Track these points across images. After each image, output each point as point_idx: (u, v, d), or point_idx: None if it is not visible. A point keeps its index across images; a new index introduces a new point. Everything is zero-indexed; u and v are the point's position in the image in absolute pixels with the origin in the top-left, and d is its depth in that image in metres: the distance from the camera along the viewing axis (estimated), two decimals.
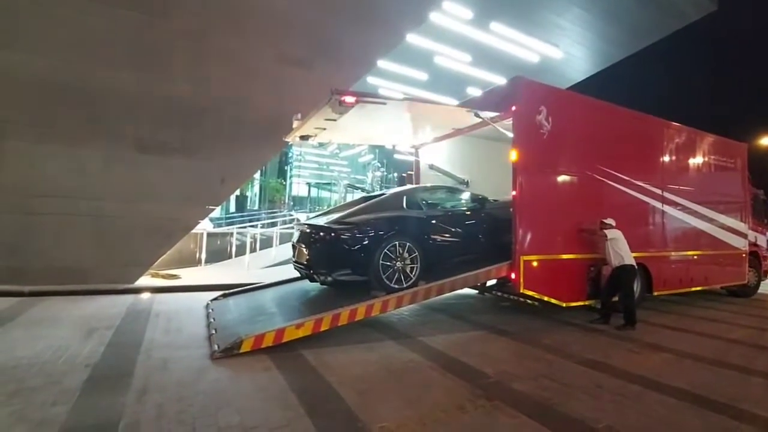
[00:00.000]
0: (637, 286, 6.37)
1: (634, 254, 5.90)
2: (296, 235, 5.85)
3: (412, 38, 13.54)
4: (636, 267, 5.88)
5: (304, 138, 6.76)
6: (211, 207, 8.89)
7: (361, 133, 7.45)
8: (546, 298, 5.72)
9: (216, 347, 4.02)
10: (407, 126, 6.88)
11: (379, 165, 34.21)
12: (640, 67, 19.80)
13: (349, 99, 4.60)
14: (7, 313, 5.36)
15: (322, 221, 5.29)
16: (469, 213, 6.12)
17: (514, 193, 5.57)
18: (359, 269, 4.90)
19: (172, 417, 2.69)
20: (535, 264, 5.61)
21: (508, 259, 5.51)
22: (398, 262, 5.01)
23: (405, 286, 5.01)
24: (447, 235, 5.66)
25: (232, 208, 29.89)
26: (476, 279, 5.52)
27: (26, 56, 6.63)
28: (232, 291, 6.73)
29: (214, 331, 4.57)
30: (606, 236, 5.75)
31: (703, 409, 3.10)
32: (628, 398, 3.27)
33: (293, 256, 5.85)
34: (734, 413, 3.06)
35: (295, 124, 6.29)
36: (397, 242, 5.01)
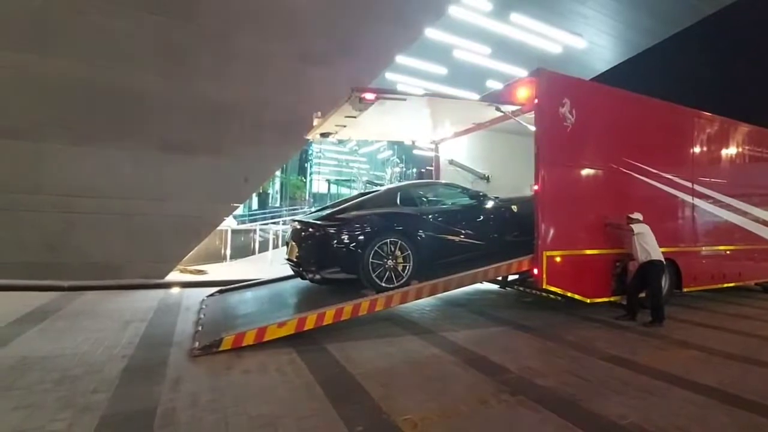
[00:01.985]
0: (665, 282, 6.20)
1: (663, 249, 5.74)
2: (289, 232, 5.72)
3: (431, 32, 13.44)
4: (664, 262, 5.72)
5: (324, 135, 6.85)
6: (235, 204, 9.13)
7: (381, 130, 7.48)
8: (570, 294, 5.65)
9: (196, 344, 3.99)
10: (427, 121, 6.87)
11: (398, 161, 34.16)
12: (671, 55, 18.93)
13: (369, 96, 4.64)
14: (51, 306, 5.68)
15: (312, 218, 5.23)
16: (467, 210, 5.86)
17: (536, 187, 5.50)
18: (348, 267, 4.74)
19: (205, 405, 2.82)
20: (558, 259, 5.54)
21: (507, 258, 5.40)
22: (389, 261, 4.83)
23: (396, 285, 4.83)
24: (443, 234, 5.42)
25: (255, 205, 30.50)
26: (474, 278, 5.29)
27: (58, 60, 6.93)
28: (228, 287, 6.68)
29: (200, 328, 4.54)
30: (633, 231, 5.61)
31: (732, 407, 3.02)
32: (655, 395, 3.21)
33: (286, 254, 5.70)
34: (765, 410, 2.97)
35: (316, 121, 6.38)
36: (388, 240, 4.83)
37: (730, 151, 7.78)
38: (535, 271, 5.45)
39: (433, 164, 8.62)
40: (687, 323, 5.71)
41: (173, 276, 8.44)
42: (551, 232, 5.51)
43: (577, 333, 5.01)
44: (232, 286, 6.76)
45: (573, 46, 16.20)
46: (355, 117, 5.55)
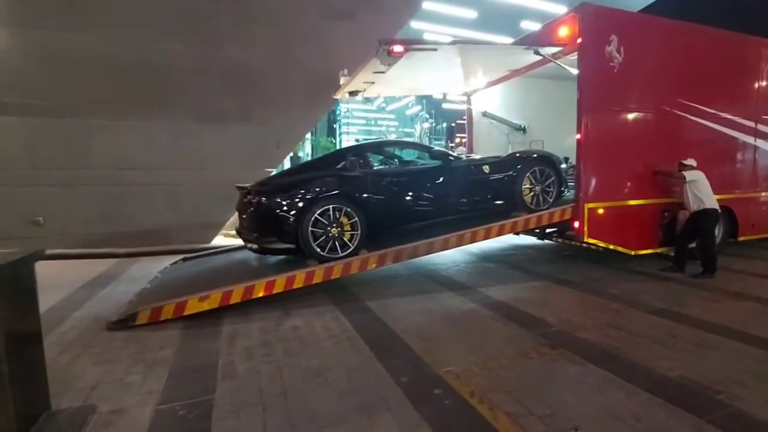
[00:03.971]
0: (718, 231, 5.85)
1: (718, 196, 5.36)
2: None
3: None
4: (719, 211, 5.36)
5: (353, 94, 6.70)
6: (268, 169, 9.29)
7: (410, 84, 7.20)
8: (612, 247, 5.47)
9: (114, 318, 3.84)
10: (458, 72, 6.53)
11: (427, 116, 33.10)
12: None
13: (398, 48, 4.42)
14: (112, 272, 6.19)
15: (253, 184, 4.77)
16: (429, 172, 5.29)
17: (578, 136, 5.20)
18: (286, 236, 4.37)
19: (260, 359, 3.04)
20: (600, 211, 5.32)
21: (475, 224, 5.01)
22: (333, 229, 4.42)
23: (342, 255, 4.44)
24: (399, 198, 4.94)
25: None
26: (432, 247, 4.79)
27: (91, 37, 7.08)
28: (193, 255, 6.45)
29: (134, 299, 4.40)
30: (684, 178, 5.25)
31: None
32: (706, 348, 3.13)
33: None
34: None
35: (343, 80, 6.22)
36: (330, 206, 4.40)
37: None
38: (576, 224, 5.29)
39: (466, 117, 8.30)
40: (742, 273, 5.41)
41: (218, 240, 8.88)
42: (593, 183, 5.28)
43: (621, 286, 4.89)
44: (199, 253, 6.55)
45: None
46: (383, 72, 5.35)
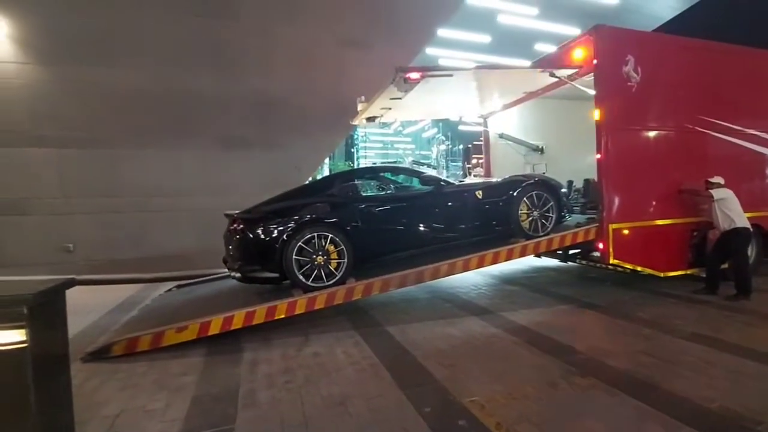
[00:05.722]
0: (751, 251, 5.60)
1: (748, 214, 5.17)
2: None
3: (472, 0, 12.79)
4: (750, 229, 5.15)
5: (370, 120, 6.85)
6: None
7: (426, 108, 7.34)
8: (639, 269, 5.30)
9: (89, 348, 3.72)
10: (474, 95, 6.61)
11: (444, 138, 33.40)
12: None
13: (414, 75, 4.52)
14: (137, 298, 6.32)
15: (240, 211, 4.59)
16: (420, 198, 5.11)
17: (598, 156, 5.15)
18: (269, 265, 4.26)
19: (281, 386, 3.02)
20: (626, 232, 5.19)
21: (467, 252, 4.79)
22: (319, 257, 4.25)
23: (328, 284, 4.25)
24: (387, 225, 4.76)
25: None
26: (421, 276, 4.57)
27: (121, 71, 7.53)
28: (187, 282, 6.34)
29: (119, 327, 4.35)
30: (712, 197, 5.09)
31: None
32: (746, 375, 2.95)
33: None
34: None
35: (360, 106, 6.38)
36: (315, 233, 4.24)
37: None
38: (601, 245, 5.16)
39: (483, 139, 8.33)
40: None
41: None
42: (617, 203, 5.18)
43: (650, 310, 4.69)
44: (194, 281, 6.41)
45: None
46: (400, 98, 5.47)
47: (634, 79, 5.24)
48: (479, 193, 5.18)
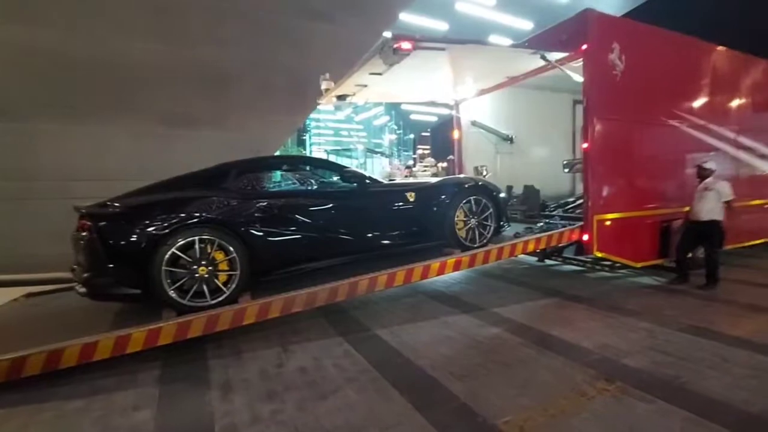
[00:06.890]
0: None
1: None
2: None
3: None
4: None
5: (341, 98, 6.19)
6: None
7: (400, 89, 6.81)
8: (619, 260, 5.30)
9: None
10: (449, 78, 6.23)
11: (395, 127, 33.14)
12: None
13: (406, 45, 3.97)
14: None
15: (90, 205, 3.44)
16: (338, 198, 4.18)
17: (585, 145, 5.01)
18: (128, 278, 3.23)
19: (268, 419, 2.42)
20: (608, 223, 5.13)
21: (406, 262, 4.18)
22: (201, 268, 3.31)
23: (211, 302, 3.32)
24: (294, 229, 3.81)
25: None
26: (335, 293, 3.72)
27: (41, 30, 6.10)
28: (39, 291, 4.97)
29: None
30: (708, 186, 5.16)
31: None
32: (764, 371, 2.88)
33: None
34: None
35: (324, 84, 5.73)
36: (196, 238, 3.29)
37: None
38: (585, 236, 5.05)
39: (455, 125, 8.01)
40: (741, 283, 5.38)
41: None
42: (602, 192, 5.09)
43: (635, 301, 4.66)
44: (49, 287, 5.07)
45: None
46: (380, 74, 4.93)
47: (618, 67, 5.15)
48: (411, 195, 4.45)
